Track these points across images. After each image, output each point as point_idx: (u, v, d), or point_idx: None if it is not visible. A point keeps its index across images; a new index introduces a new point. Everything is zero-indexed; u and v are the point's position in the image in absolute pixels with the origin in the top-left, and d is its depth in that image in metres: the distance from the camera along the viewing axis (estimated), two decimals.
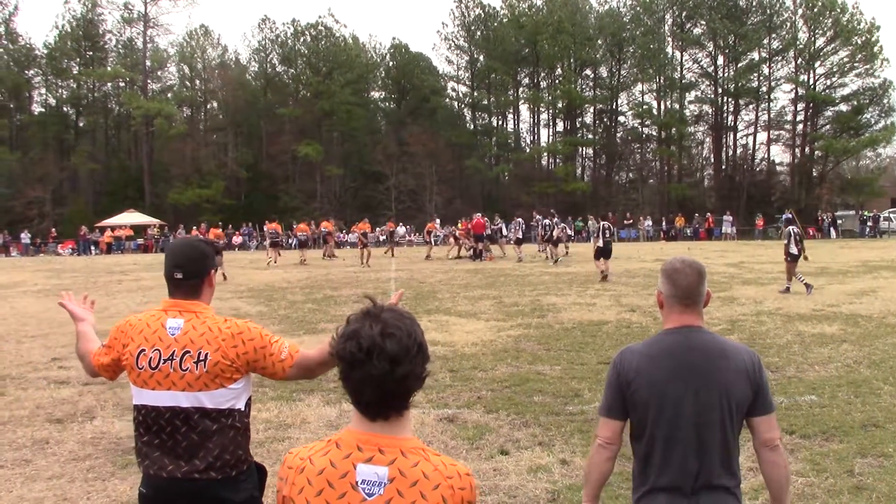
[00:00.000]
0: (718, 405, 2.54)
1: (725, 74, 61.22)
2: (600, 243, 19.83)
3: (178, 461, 2.68)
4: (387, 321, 1.70)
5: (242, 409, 2.77)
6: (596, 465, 2.69)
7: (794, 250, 15.98)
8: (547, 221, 28.96)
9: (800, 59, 58.49)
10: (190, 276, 2.79)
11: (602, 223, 20.63)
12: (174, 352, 2.69)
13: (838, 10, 55.41)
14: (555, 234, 27.46)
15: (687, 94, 62.79)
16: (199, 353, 2.67)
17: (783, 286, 16.00)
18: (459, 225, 35.76)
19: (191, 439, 2.68)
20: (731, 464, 2.57)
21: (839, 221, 48.29)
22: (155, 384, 2.70)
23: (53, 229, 49.91)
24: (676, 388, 2.55)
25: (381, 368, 1.65)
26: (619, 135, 66.67)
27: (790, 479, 2.69)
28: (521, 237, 30.89)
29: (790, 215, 16.33)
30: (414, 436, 1.80)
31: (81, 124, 63.76)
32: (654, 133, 64.71)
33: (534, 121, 68.35)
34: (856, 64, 56.33)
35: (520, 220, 33.02)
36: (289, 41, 64.16)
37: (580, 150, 66.48)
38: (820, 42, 57.35)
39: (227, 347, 2.69)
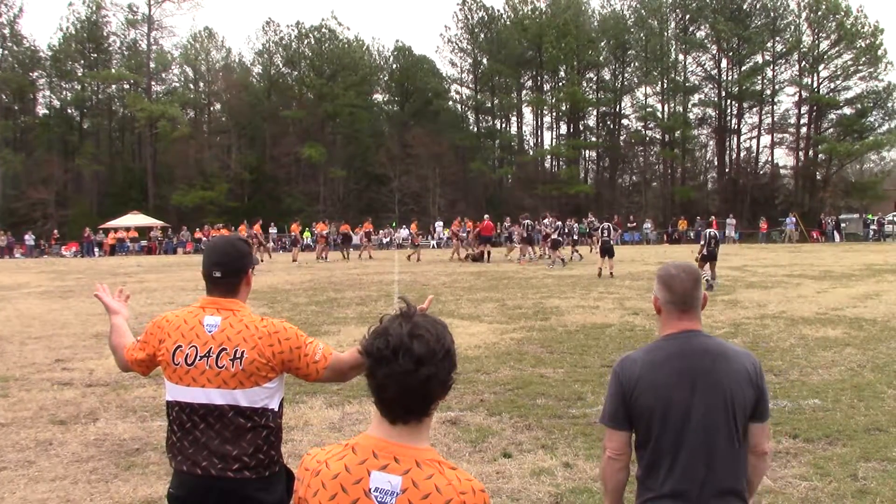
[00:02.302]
0: (723, 409, 2.53)
1: (729, 77, 61.19)
2: (599, 243, 22.64)
3: (212, 458, 2.68)
4: (417, 323, 1.73)
5: (276, 409, 2.77)
6: (610, 477, 2.69)
7: (705, 251, 18.31)
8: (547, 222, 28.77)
9: (803, 62, 58.47)
10: (228, 275, 2.82)
11: (602, 224, 23.58)
12: (211, 349, 2.70)
13: (842, 13, 55.35)
14: (542, 235, 27.28)
15: (690, 96, 62.76)
16: (236, 351, 2.69)
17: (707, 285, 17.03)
18: (453, 226, 35.68)
19: (224, 437, 2.68)
20: (737, 469, 2.56)
21: (843, 225, 48.22)
22: (190, 380, 2.71)
23: (55, 231, 50.04)
24: (680, 393, 2.54)
25: (405, 367, 1.67)
26: (622, 137, 66.60)
27: (760, 481, 2.80)
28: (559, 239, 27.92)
29: (711, 223, 19.38)
30: (431, 447, 1.80)
31: (85, 126, 63.81)
32: (658, 136, 64.68)
33: (537, 123, 68.41)
34: (860, 67, 56.28)
35: (554, 220, 30.86)
36: (292, 44, 64.21)
37: (583, 152, 66.44)
38: (824, 45, 57.33)
39: (264, 346, 2.70)
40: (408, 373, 1.67)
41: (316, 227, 36.95)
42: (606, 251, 21.42)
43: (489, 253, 29.61)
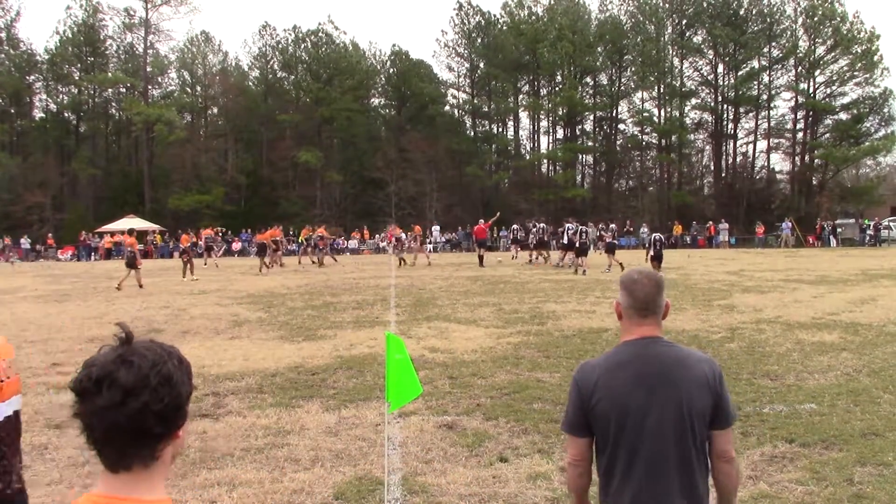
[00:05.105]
0: (679, 417, 2.51)
1: (726, 82, 61.28)
2: (577, 244, 24.94)
3: None
4: (132, 349, 1.47)
5: None
6: (572, 482, 2.75)
7: (652, 252, 22.08)
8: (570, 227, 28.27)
9: (800, 68, 58.58)
10: None
11: (580, 227, 25.72)
12: None
13: (838, 19, 55.47)
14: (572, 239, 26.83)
15: (687, 101, 62.69)
16: None
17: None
18: (416, 229, 35.25)
19: None
20: (694, 478, 2.53)
21: (839, 230, 48.26)
22: None
23: (50, 235, 49.92)
24: (637, 400, 2.53)
25: (110, 400, 1.40)
26: (619, 142, 66.61)
27: (738, 487, 2.73)
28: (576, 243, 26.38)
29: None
30: (166, 496, 1.52)
31: (82, 130, 63.77)
32: (654, 140, 64.64)
33: (534, 128, 68.42)
34: (856, 73, 56.36)
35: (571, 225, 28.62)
36: (289, 48, 64.22)
37: (580, 157, 66.40)
38: (820, 51, 57.42)
39: None
40: (112, 406, 1.40)
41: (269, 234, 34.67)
42: (583, 252, 24.40)
43: (482, 257, 29.64)
